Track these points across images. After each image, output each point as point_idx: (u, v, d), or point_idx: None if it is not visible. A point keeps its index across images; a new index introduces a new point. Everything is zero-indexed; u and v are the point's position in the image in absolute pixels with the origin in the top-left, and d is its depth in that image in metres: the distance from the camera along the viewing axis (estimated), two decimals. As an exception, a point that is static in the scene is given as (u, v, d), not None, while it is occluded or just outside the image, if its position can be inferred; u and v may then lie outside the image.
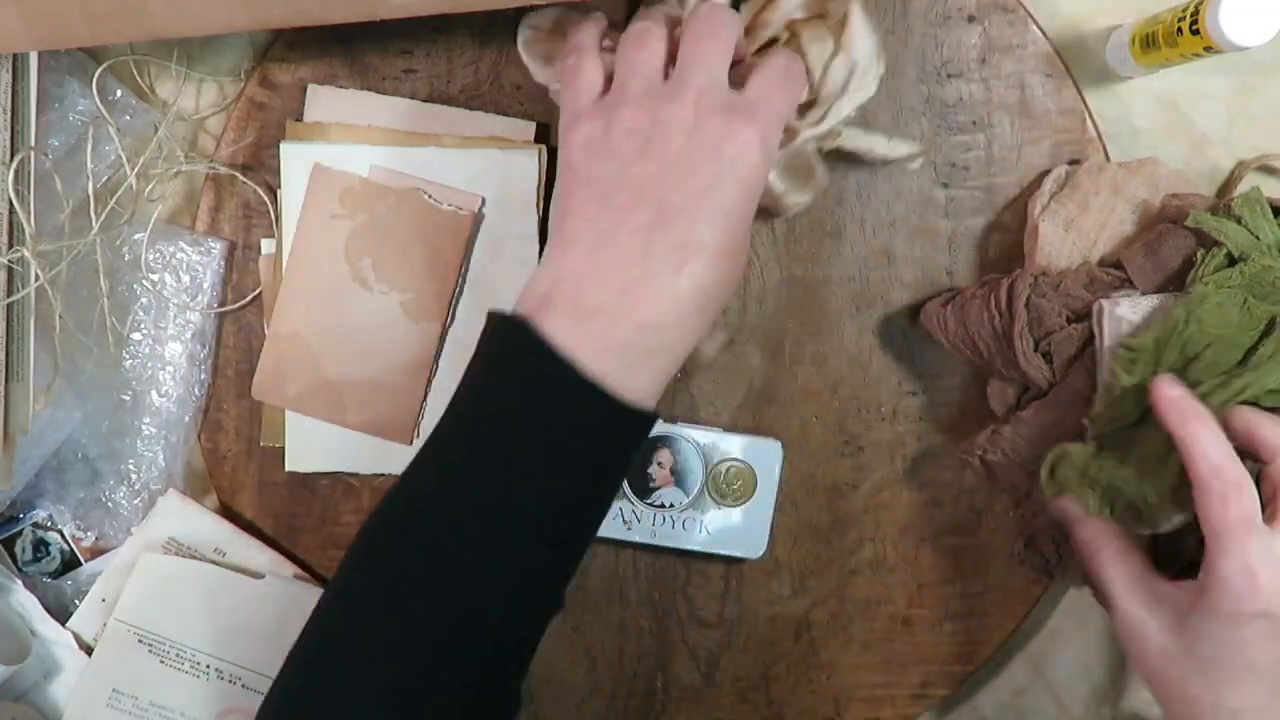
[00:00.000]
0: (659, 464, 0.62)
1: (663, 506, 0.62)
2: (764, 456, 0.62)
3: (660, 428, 0.62)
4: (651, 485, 0.62)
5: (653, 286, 0.46)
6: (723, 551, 0.63)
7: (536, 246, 0.61)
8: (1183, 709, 0.49)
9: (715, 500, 0.62)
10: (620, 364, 0.46)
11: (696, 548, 0.63)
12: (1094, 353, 0.55)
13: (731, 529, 0.62)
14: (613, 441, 0.48)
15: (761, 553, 0.63)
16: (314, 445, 0.63)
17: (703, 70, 0.48)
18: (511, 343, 0.47)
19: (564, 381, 0.45)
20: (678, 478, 0.62)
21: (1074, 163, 0.60)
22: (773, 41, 0.58)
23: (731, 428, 0.63)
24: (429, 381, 0.62)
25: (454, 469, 0.47)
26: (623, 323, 0.46)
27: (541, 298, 0.47)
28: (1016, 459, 0.58)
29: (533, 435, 0.46)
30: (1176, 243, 0.54)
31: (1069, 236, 0.58)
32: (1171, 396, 0.49)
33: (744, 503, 0.62)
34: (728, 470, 0.62)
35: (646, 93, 0.48)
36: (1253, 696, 0.47)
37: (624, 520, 0.63)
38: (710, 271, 0.47)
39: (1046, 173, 0.60)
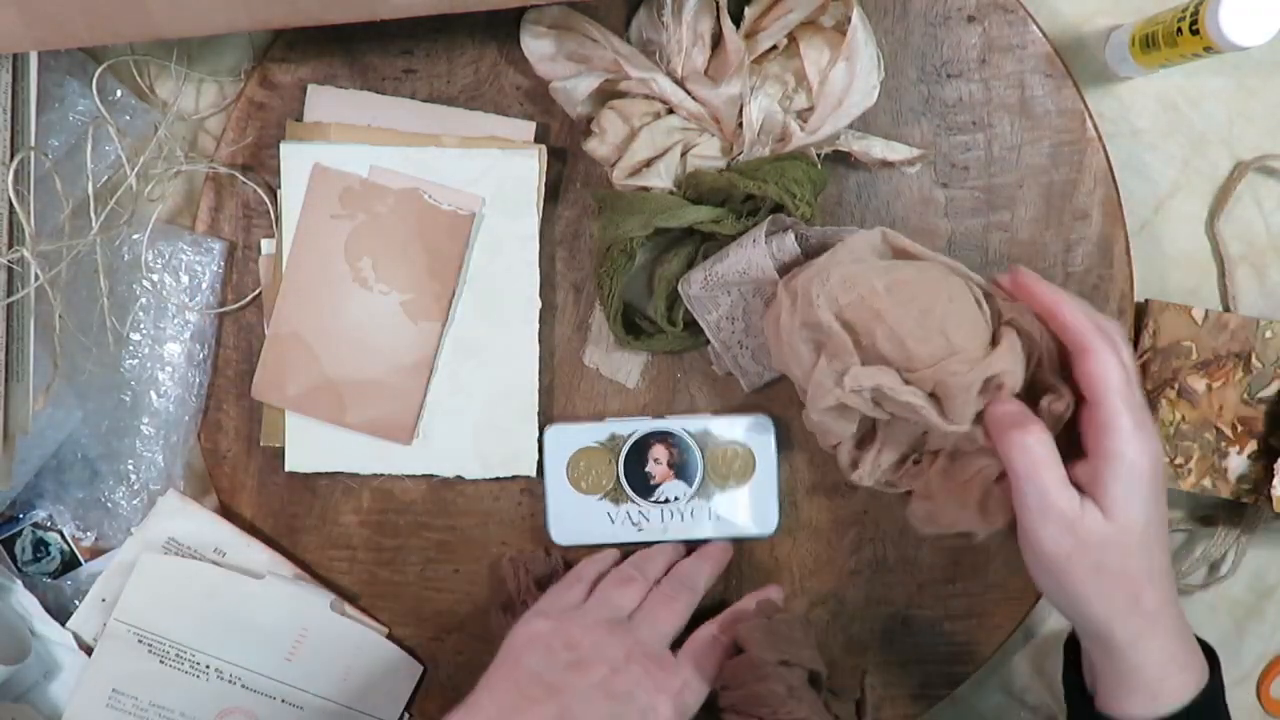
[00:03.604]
0: (655, 460, 0.62)
1: (668, 501, 0.62)
2: (757, 433, 0.62)
3: (650, 424, 0.62)
4: (653, 483, 0.62)
5: None
6: (736, 534, 0.63)
7: (536, 246, 0.61)
8: (1121, 590, 0.50)
9: (718, 484, 0.62)
10: None
11: (709, 535, 0.63)
12: None
13: (740, 509, 0.62)
14: None
15: (774, 528, 0.62)
16: (313, 445, 0.63)
17: (651, 626, 0.57)
18: None
19: None
20: (677, 470, 0.62)
21: None
22: (772, 49, 0.58)
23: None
24: (428, 382, 0.62)
25: None
26: None
27: None
28: None
29: None
30: None
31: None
32: (1029, 282, 0.52)
33: (746, 481, 0.62)
34: (725, 453, 0.62)
35: (602, 623, 0.56)
36: (1164, 550, 0.50)
37: (633, 523, 0.63)
38: None
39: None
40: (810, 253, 0.58)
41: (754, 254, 0.57)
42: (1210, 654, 0.53)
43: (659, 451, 0.62)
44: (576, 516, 0.63)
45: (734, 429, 0.62)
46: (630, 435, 0.62)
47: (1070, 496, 0.49)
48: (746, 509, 0.62)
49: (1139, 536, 0.49)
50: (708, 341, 0.61)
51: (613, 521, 0.63)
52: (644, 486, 0.62)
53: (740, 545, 0.63)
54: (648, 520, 0.63)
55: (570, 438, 0.62)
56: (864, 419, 0.55)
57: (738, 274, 0.57)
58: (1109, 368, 0.49)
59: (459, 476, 0.63)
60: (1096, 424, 0.49)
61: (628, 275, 0.60)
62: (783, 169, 0.57)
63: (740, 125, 0.58)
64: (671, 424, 0.62)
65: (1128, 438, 0.49)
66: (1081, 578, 0.50)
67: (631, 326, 0.62)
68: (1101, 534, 0.49)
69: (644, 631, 0.56)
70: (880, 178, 0.62)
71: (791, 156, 0.57)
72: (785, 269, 0.57)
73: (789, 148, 0.57)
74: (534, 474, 0.63)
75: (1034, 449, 0.49)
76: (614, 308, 0.60)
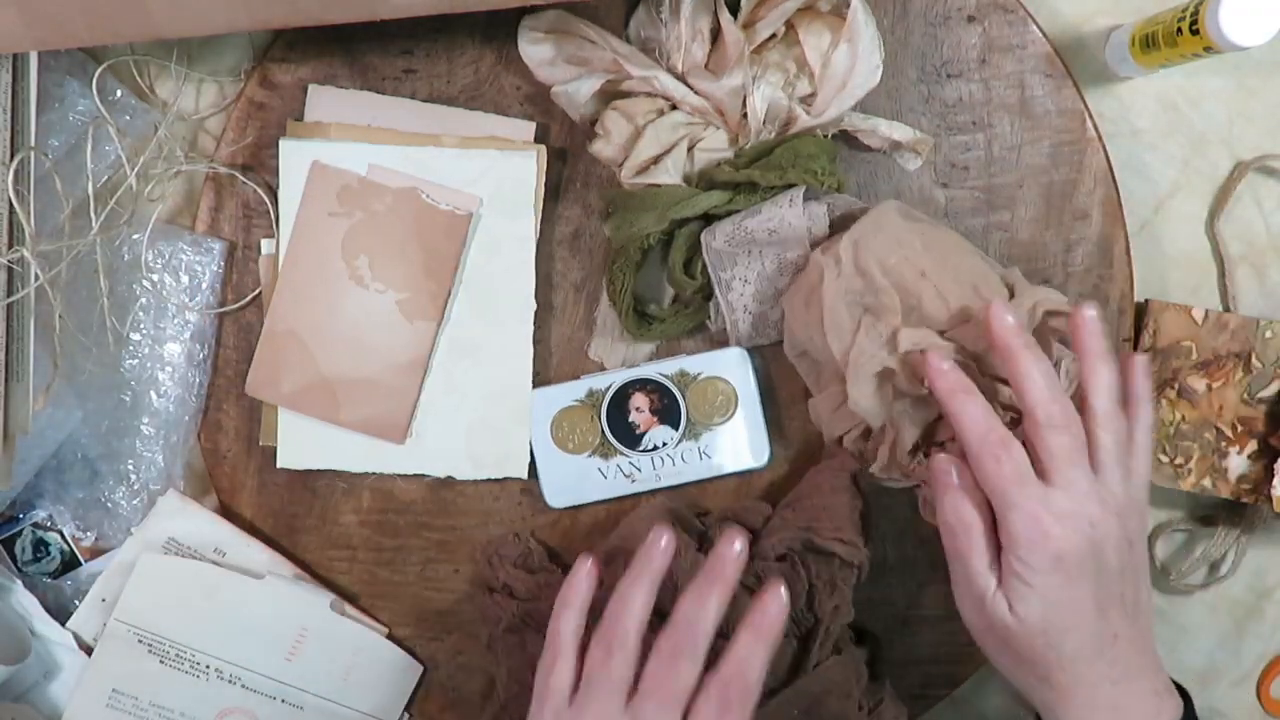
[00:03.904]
0: (637, 409, 0.62)
1: (656, 448, 0.62)
2: (735, 365, 0.61)
3: (626, 373, 0.62)
4: (638, 432, 0.62)
5: None
6: (730, 469, 0.62)
7: (533, 247, 0.61)
8: (1031, 669, 0.50)
9: (704, 423, 0.62)
10: None
11: (703, 476, 0.62)
12: None
13: (731, 445, 0.62)
14: None
15: (768, 458, 0.62)
16: (306, 442, 0.63)
17: (658, 710, 0.48)
18: None
19: None
20: (661, 415, 0.62)
21: None
22: (771, 37, 0.58)
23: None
24: (422, 381, 0.62)
25: None
26: None
27: None
28: None
29: None
30: None
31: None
32: (941, 369, 0.51)
33: (732, 415, 0.62)
34: (705, 390, 0.62)
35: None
36: (1080, 635, 0.49)
37: (625, 475, 0.62)
38: None
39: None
40: (835, 223, 0.58)
41: (789, 214, 0.56)
42: (1184, 695, 0.52)
43: (639, 400, 0.62)
44: (568, 477, 0.62)
45: (711, 365, 0.61)
46: (608, 387, 0.62)
47: (987, 581, 0.50)
48: (737, 443, 0.62)
49: (1038, 630, 0.49)
50: (708, 316, 0.61)
51: (605, 477, 0.62)
52: (630, 437, 0.62)
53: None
54: (639, 470, 0.62)
55: (549, 400, 0.62)
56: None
57: (767, 232, 0.57)
58: (990, 475, 0.49)
59: (450, 477, 0.63)
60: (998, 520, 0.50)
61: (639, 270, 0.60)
62: (794, 149, 0.56)
63: (745, 116, 0.58)
64: (647, 370, 0.62)
65: (1012, 544, 0.49)
66: (995, 651, 0.52)
67: (641, 317, 0.62)
68: (1004, 622, 0.50)
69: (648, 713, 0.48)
70: (881, 177, 0.62)
71: (797, 135, 0.57)
72: (814, 239, 0.57)
73: (794, 131, 0.58)
74: (525, 476, 0.63)
75: (970, 526, 0.50)
76: (626, 304, 0.60)
